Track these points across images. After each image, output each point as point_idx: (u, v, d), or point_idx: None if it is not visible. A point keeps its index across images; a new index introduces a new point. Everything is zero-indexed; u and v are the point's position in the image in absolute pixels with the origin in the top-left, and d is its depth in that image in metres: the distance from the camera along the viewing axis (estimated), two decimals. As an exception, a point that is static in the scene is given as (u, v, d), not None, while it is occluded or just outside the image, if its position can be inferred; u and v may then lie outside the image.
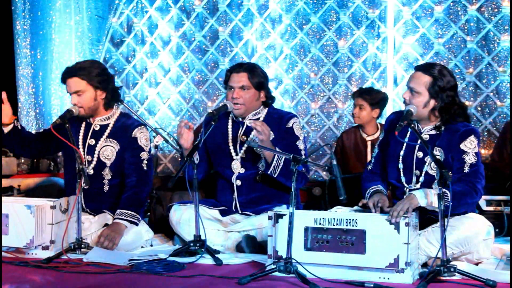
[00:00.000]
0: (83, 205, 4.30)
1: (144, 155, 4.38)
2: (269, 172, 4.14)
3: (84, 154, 4.36)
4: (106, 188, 4.38)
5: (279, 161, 4.12)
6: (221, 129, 4.41)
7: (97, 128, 4.42)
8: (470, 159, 3.72)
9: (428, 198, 3.54)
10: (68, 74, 4.35)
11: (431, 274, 3.27)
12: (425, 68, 3.79)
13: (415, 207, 3.43)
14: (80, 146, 4.38)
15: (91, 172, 4.35)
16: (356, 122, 5.60)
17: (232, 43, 7.13)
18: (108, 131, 4.41)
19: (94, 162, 4.36)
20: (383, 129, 4.13)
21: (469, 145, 3.74)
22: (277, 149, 4.10)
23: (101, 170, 4.37)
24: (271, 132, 4.19)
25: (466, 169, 3.71)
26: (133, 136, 4.38)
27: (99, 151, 4.37)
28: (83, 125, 4.45)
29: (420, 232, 3.65)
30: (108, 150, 4.37)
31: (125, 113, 4.56)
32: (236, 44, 7.12)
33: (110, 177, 4.38)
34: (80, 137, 4.41)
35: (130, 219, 4.20)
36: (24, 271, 3.56)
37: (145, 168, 4.36)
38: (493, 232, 3.83)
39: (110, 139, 4.39)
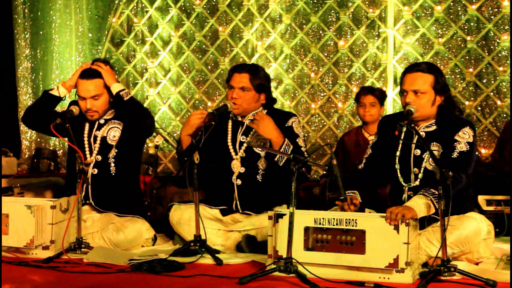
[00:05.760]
0: (91, 198, 4.34)
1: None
2: (276, 159, 4.14)
3: (91, 144, 4.41)
4: (113, 171, 4.40)
5: (287, 150, 4.11)
6: (221, 129, 4.41)
7: (102, 122, 4.48)
8: (461, 147, 3.73)
9: (423, 211, 3.51)
10: (86, 76, 4.33)
11: (432, 274, 3.27)
12: (423, 68, 3.81)
13: (413, 217, 3.40)
14: (86, 139, 4.42)
15: (99, 158, 4.40)
16: (367, 120, 5.52)
17: (232, 43, 7.13)
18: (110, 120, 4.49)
19: (100, 148, 4.40)
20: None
21: (462, 135, 3.76)
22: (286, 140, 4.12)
23: (108, 153, 4.40)
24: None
25: (455, 155, 3.72)
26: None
27: (104, 136, 4.42)
28: (87, 123, 4.49)
29: (421, 232, 3.65)
30: (113, 130, 4.43)
31: None
32: (236, 44, 7.12)
33: (114, 153, 4.40)
34: (86, 132, 4.45)
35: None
36: (24, 271, 3.56)
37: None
38: (493, 231, 3.83)
39: (113, 120, 4.45)
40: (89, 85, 4.31)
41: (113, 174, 4.40)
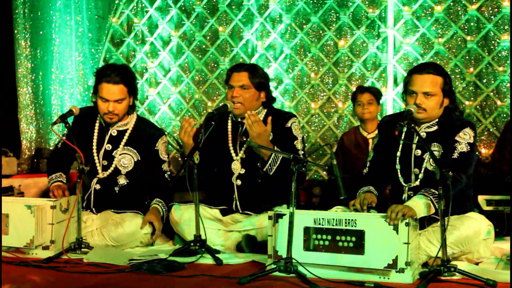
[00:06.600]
0: (91, 204, 4.35)
1: (165, 166, 4.46)
2: (264, 170, 4.16)
3: (99, 159, 4.38)
4: (117, 189, 4.40)
5: (276, 160, 4.13)
6: (221, 130, 4.41)
7: (115, 133, 4.43)
8: (462, 148, 3.74)
9: (423, 211, 3.51)
10: (111, 81, 4.26)
11: (432, 274, 3.27)
12: (434, 69, 3.80)
13: (413, 215, 3.40)
14: (95, 150, 4.39)
15: (104, 175, 4.38)
16: (366, 117, 5.53)
17: (232, 43, 7.13)
18: (126, 137, 4.41)
19: (110, 168, 4.37)
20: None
21: (463, 136, 3.76)
22: (275, 148, 4.12)
23: (116, 175, 4.39)
24: (271, 133, 4.20)
25: (455, 155, 3.72)
26: (155, 148, 4.42)
27: (114, 157, 4.38)
28: (97, 127, 4.44)
29: (421, 232, 3.65)
30: (126, 158, 4.39)
31: (141, 117, 4.57)
32: (236, 44, 7.12)
33: (124, 182, 4.40)
34: (95, 141, 4.41)
35: (163, 208, 4.36)
36: (24, 271, 3.57)
37: (168, 179, 4.45)
38: (493, 231, 3.83)
39: (129, 148, 4.40)
40: (115, 89, 4.27)
41: (116, 191, 4.40)
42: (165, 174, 4.46)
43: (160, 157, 4.44)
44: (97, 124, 4.45)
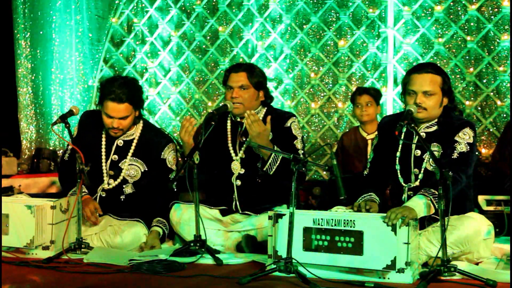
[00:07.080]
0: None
1: (172, 176, 4.39)
2: (264, 169, 4.16)
3: (106, 169, 4.36)
4: (123, 197, 4.38)
5: (276, 159, 4.13)
6: (220, 130, 4.41)
7: (121, 144, 4.39)
8: (461, 148, 3.74)
9: (423, 211, 3.51)
10: (116, 99, 4.18)
11: (432, 274, 3.27)
12: (433, 69, 3.81)
13: (413, 217, 3.40)
14: (103, 160, 4.37)
15: (112, 184, 4.36)
16: (365, 119, 5.53)
17: (232, 43, 7.13)
18: (132, 148, 4.38)
19: (117, 180, 4.35)
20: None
21: (463, 136, 3.76)
22: (276, 148, 4.12)
23: (123, 184, 4.37)
24: (270, 132, 4.21)
25: (455, 155, 3.72)
26: (162, 158, 4.38)
27: (122, 168, 4.35)
28: (104, 137, 4.41)
29: (421, 232, 3.65)
30: (133, 169, 4.36)
31: (148, 124, 4.53)
32: (236, 44, 7.12)
33: (131, 191, 4.38)
34: (103, 150, 4.38)
35: (164, 228, 4.30)
36: (24, 271, 3.56)
37: (175, 190, 4.40)
38: (493, 231, 3.84)
39: (136, 158, 4.37)
40: (120, 108, 4.21)
41: (122, 200, 4.38)
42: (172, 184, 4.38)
43: (167, 166, 4.39)
44: (104, 133, 4.41)
